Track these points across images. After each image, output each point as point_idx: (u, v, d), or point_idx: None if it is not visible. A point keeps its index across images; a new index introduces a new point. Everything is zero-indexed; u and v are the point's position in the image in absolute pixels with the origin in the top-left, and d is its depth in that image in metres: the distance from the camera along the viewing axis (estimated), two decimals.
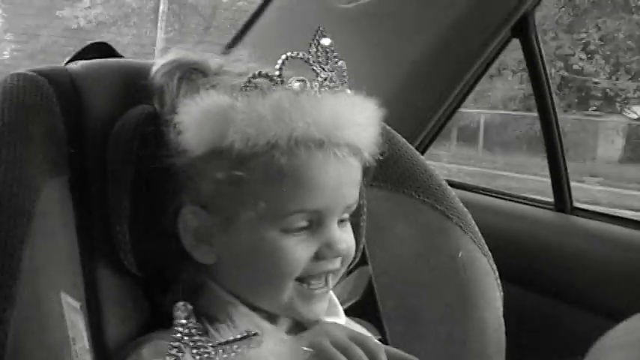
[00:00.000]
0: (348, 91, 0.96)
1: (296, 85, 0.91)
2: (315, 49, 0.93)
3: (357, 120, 0.93)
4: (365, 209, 1.10)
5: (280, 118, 0.88)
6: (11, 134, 0.91)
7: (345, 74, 0.96)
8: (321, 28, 0.94)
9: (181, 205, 0.95)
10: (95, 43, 1.39)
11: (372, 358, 0.92)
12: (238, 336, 0.84)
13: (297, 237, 0.92)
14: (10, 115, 0.92)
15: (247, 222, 0.92)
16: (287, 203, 0.91)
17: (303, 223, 0.93)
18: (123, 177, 0.95)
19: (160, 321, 0.98)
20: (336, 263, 0.96)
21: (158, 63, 1.02)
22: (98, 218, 0.97)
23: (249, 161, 0.89)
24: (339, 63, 0.95)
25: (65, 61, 1.26)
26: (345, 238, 0.96)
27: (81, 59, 1.21)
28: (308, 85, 0.91)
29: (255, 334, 0.84)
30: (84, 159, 0.98)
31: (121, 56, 1.37)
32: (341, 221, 0.97)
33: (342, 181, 0.93)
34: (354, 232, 1.02)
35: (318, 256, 0.94)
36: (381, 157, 1.00)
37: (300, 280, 0.95)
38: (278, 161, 0.89)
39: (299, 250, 0.92)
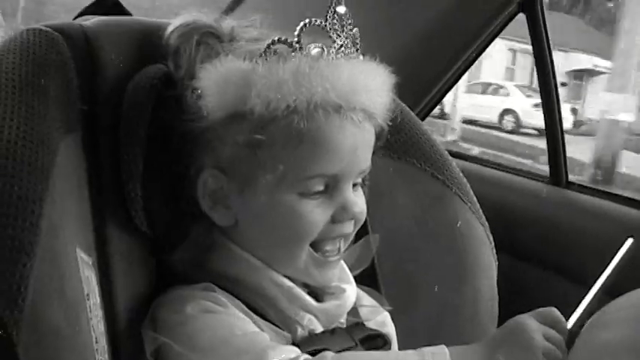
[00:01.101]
0: (362, 58, 0.98)
1: (314, 51, 0.93)
2: (331, 16, 0.95)
3: (371, 85, 0.95)
4: (367, 175, 1.11)
5: (300, 82, 0.90)
6: (27, 90, 0.90)
7: (358, 41, 0.98)
8: None
9: (201, 169, 0.97)
10: None
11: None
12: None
13: (314, 200, 0.95)
14: (27, 71, 0.92)
15: (266, 185, 0.94)
16: (305, 167, 0.93)
17: (320, 187, 0.95)
18: (137, 136, 0.97)
19: (166, 279, 1.01)
20: (350, 227, 0.99)
21: (174, 24, 1.02)
22: (110, 176, 0.98)
23: (269, 125, 0.91)
24: (354, 30, 0.96)
25: (74, 17, 1.27)
26: (358, 201, 0.98)
27: (90, 14, 1.21)
28: (325, 51, 0.93)
29: None
30: (96, 116, 0.99)
31: (129, 13, 1.38)
32: (354, 185, 0.99)
33: (357, 145, 0.95)
34: None
35: (334, 219, 0.96)
36: (390, 124, 1.02)
37: (315, 245, 0.97)
38: (297, 125, 0.91)
39: (316, 213, 0.95)
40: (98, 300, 0.91)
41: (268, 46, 0.92)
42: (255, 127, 0.92)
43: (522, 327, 0.92)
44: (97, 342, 0.86)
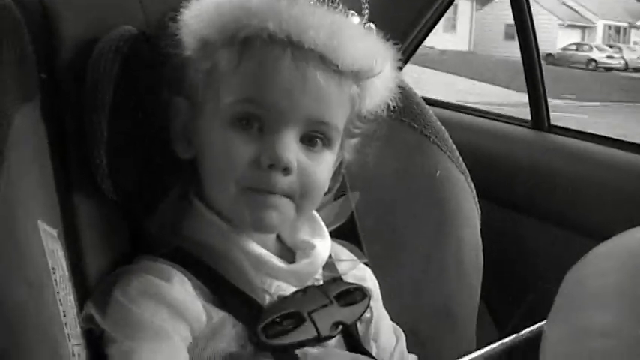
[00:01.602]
0: (356, 18, 0.95)
1: None
2: None
3: (330, 27, 0.91)
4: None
5: (250, 12, 0.90)
6: None
7: (365, 6, 0.96)
8: None
9: (171, 99, 0.97)
10: None
11: None
12: None
13: (242, 135, 0.92)
14: None
15: (208, 114, 0.94)
16: (236, 91, 0.92)
17: (250, 117, 0.92)
18: (102, 101, 0.95)
19: (138, 245, 1.00)
20: (279, 180, 0.92)
21: None
22: (74, 144, 0.96)
23: (219, 51, 0.93)
24: None
25: None
26: (298, 155, 0.93)
27: None
28: None
29: None
30: (57, 84, 0.97)
31: None
32: (310, 141, 0.95)
33: (297, 85, 0.91)
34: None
35: (259, 163, 0.92)
36: (394, 108, 1.01)
37: (249, 189, 0.93)
38: (238, 51, 0.91)
39: (239, 147, 0.92)
40: (66, 272, 0.89)
41: None
42: (209, 53, 0.93)
43: None
44: (65, 315, 0.84)
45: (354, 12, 0.95)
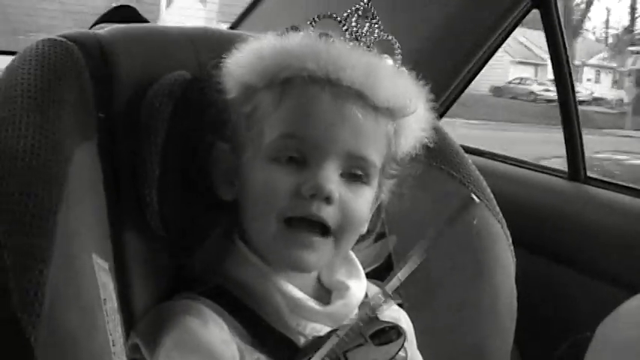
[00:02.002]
0: (389, 61, 0.99)
1: (314, 33, 0.97)
2: (352, 13, 0.98)
3: (366, 67, 0.95)
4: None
5: (290, 55, 0.95)
6: (43, 99, 0.92)
7: (372, 39, 0.99)
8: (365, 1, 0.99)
9: (213, 144, 1.00)
10: (120, 6, 1.41)
11: None
12: None
13: (284, 168, 0.95)
14: (43, 81, 0.94)
15: (250, 154, 0.97)
16: (278, 127, 0.95)
17: (292, 153, 0.95)
18: (155, 142, 0.99)
19: (182, 283, 1.02)
20: (322, 208, 0.94)
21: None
22: (126, 182, 1.00)
23: (259, 93, 0.97)
24: (376, 32, 0.99)
25: (91, 25, 1.28)
26: (332, 181, 0.94)
27: (106, 22, 1.23)
28: (328, 36, 0.96)
29: None
30: (112, 123, 1.01)
31: (146, 20, 1.40)
32: (350, 176, 0.97)
33: (337, 120, 0.94)
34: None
35: (300, 193, 0.94)
36: (431, 145, 1.04)
37: (287, 223, 0.95)
38: (279, 92, 0.95)
39: (281, 180, 0.94)
40: (115, 304, 0.93)
41: (281, 32, 0.98)
42: (250, 95, 0.97)
43: None
44: (114, 345, 0.88)
45: (387, 55, 0.99)
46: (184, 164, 1.01)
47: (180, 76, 1.03)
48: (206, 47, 1.11)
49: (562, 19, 1.78)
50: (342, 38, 0.97)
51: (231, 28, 2.23)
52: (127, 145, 1.00)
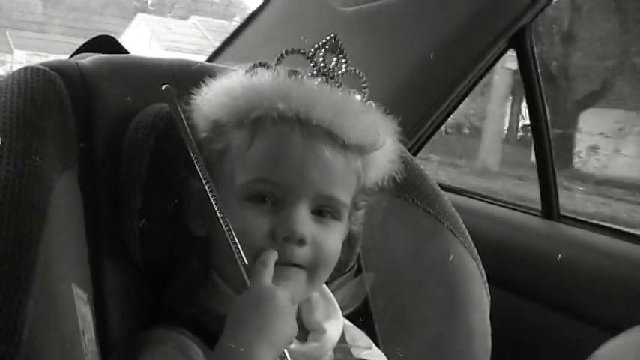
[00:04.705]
0: (357, 96, 1.00)
1: (283, 71, 0.97)
2: (319, 48, 0.98)
3: (336, 106, 0.95)
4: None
5: (257, 94, 0.95)
6: (25, 128, 0.92)
7: (340, 74, 0.99)
8: (331, 36, 0.99)
9: (186, 180, 1.00)
10: (101, 36, 1.41)
11: None
12: None
13: (257, 209, 0.95)
14: (25, 109, 0.94)
15: (223, 192, 0.96)
16: (250, 171, 0.95)
17: (265, 195, 0.95)
18: (137, 174, 0.99)
19: (158, 314, 1.01)
20: (294, 252, 0.95)
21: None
22: (107, 212, 1.00)
23: (229, 133, 0.97)
24: (343, 67, 0.99)
25: (71, 54, 1.29)
26: (311, 227, 0.96)
27: (86, 52, 1.23)
28: (298, 74, 0.97)
29: None
30: (93, 154, 1.01)
31: (126, 51, 1.40)
32: (321, 213, 0.98)
33: (307, 161, 0.94)
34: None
35: (274, 236, 0.94)
36: (400, 180, 1.04)
37: None
38: (249, 132, 0.95)
39: (255, 221, 0.94)
40: (93, 335, 0.92)
41: (250, 68, 0.98)
42: (222, 134, 0.97)
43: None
44: None
45: (355, 90, 1.00)
46: (166, 198, 1.01)
47: (163, 109, 1.03)
48: (186, 79, 1.10)
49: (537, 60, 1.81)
50: (309, 74, 0.97)
51: (209, 60, 2.24)
52: (109, 176, 1.00)
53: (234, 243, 0.92)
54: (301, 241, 0.95)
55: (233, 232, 0.93)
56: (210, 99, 0.98)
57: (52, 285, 0.85)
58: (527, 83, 1.82)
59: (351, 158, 0.98)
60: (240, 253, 0.92)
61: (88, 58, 1.10)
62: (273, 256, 0.92)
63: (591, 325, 1.51)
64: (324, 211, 0.98)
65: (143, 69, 1.13)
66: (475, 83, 1.92)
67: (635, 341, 0.79)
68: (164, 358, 0.92)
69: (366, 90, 1.01)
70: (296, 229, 0.94)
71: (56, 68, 1.02)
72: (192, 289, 1.01)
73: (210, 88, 0.99)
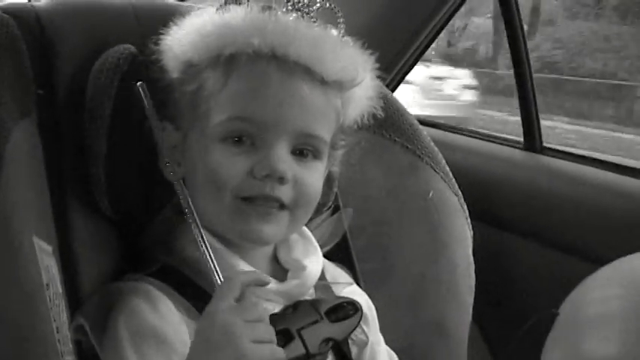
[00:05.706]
0: (334, 31, 0.96)
1: (257, 6, 0.94)
2: None
3: (313, 41, 0.93)
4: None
5: (231, 31, 0.92)
6: None
7: (314, 9, 0.96)
8: None
9: (157, 122, 0.97)
10: None
11: None
12: None
13: (235, 149, 0.92)
14: None
15: (197, 134, 0.94)
16: (226, 109, 0.92)
17: (242, 134, 0.92)
18: (102, 117, 0.96)
19: (129, 264, 0.99)
20: (275, 188, 0.93)
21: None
22: (70, 160, 0.96)
23: (204, 72, 0.94)
24: (323, 3, 0.96)
25: None
26: (284, 160, 0.93)
27: None
28: (272, 9, 0.94)
29: None
30: (54, 99, 0.97)
31: None
32: (301, 152, 0.95)
33: (285, 99, 0.92)
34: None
35: (254, 173, 0.92)
36: (380, 116, 1.02)
37: (243, 199, 0.93)
38: (224, 69, 0.92)
39: (234, 161, 0.92)
40: (60, 289, 0.89)
41: (221, 5, 0.95)
42: (194, 75, 0.94)
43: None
44: (58, 331, 0.85)
45: (331, 25, 0.97)
46: (133, 142, 0.98)
47: (126, 50, 1.00)
48: (150, 19, 1.06)
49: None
50: (284, 10, 0.94)
51: None
52: (71, 122, 0.97)
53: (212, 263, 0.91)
54: (281, 179, 0.93)
55: (211, 254, 0.91)
56: (180, 38, 0.95)
57: (10, 238, 0.82)
58: (507, 16, 1.77)
59: (331, 95, 0.96)
60: (217, 273, 0.90)
61: (44, 0, 1.06)
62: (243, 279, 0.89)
63: (576, 257, 1.51)
64: (304, 149, 0.96)
65: (104, 9, 1.09)
66: (452, 14, 1.88)
67: (621, 272, 0.77)
68: (135, 315, 0.90)
69: (342, 25, 0.98)
70: (276, 167, 0.92)
71: (10, 12, 0.98)
72: (166, 236, 0.99)
73: (180, 27, 0.96)
